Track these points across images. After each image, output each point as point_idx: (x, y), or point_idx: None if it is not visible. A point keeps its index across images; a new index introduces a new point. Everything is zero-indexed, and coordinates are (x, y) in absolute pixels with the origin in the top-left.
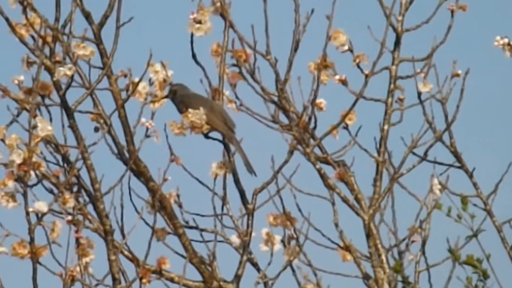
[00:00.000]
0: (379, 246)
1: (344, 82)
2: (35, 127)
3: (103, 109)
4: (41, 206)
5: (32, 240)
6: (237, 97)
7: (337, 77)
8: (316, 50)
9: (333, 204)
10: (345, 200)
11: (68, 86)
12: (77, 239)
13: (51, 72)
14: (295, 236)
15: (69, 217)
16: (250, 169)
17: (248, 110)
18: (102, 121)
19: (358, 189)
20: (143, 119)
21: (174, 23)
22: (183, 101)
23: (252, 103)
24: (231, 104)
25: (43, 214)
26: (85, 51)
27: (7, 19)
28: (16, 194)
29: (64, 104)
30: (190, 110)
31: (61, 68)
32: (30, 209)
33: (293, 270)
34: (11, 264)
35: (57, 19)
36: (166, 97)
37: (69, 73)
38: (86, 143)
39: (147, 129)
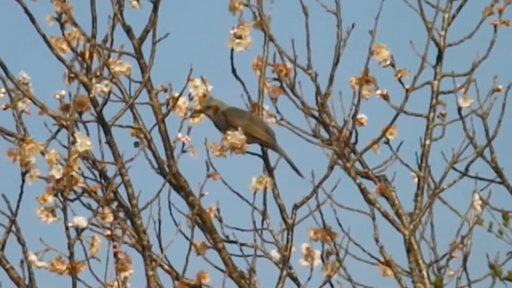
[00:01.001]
0: (420, 261)
1: (385, 97)
2: (74, 142)
3: (143, 123)
4: (81, 221)
5: (71, 255)
6: (277, 111)
7: (379, 91)
8: (357, 65)
9: (373, 219)
10: (385, 215)
11: (105, 102)
12: (115, 254)
13: (88, 88)
14: (335, 251)
15: (108, 232)
16: (297, 171)
17: (289, 124)
18: (142, 135)
19: (399, 204)
20: (179, 134)
21: (214, 38)
22: (224, 117)
23: (292, 118)
24: (271, 119)
25: (83, 229)
26: (122, 67)
27: (44, 36)
28: (56, 209)
29: (101, 120)
30: (228, 132)
31: (97, 85)
32: (70, 224)
33: (332, 286)
34: (51, 279)
35: (93, 36)
36: (204, 112)
37: (105, 89)
38: (124, 158)
39: (183, 144)
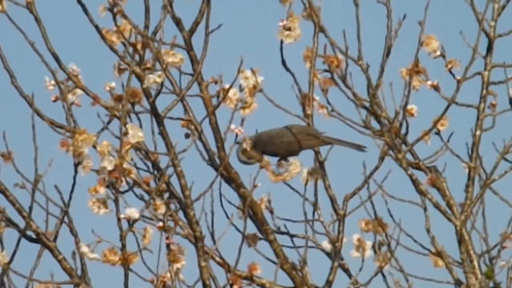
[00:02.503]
0: (471, 252)
1: (436, 88)
2: (126, 133)
3: (194, 115)
4: (133, 212)
5: (123, 247)
6: (328, 103)
7: (429, 82)
8: (408, 56)
9: (425, 209)
10: (436, 206)
11: (158, 93)
12: (168, 245)
13: (140, 79)
14: (386, 241)
15: (160, 224)
16: (358, 147)
17: (340, 115)
18: (193, 127)
19: (450, 195)
20: (232, 126)
21: (264, 29)
22: (265, 142)
23: (343, 109)
24: (322, 110)
25: (135, 221)
26: (175, 58)
27: (96, 27)
28: (108, 201)
29: (154, 111)
30: (288, 168)
31: (150, 76)
32: (122, 216)
33: (384, 276)
34: (101, 270)
35: (146, 27)
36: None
37: (158, 80)
38: (176, 149)
39: (237, 135)
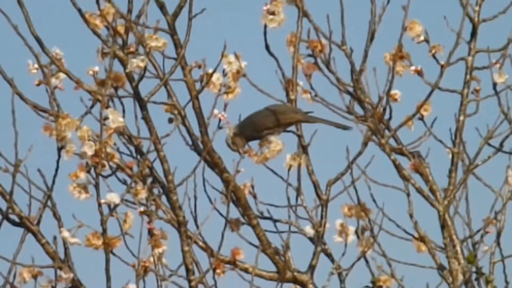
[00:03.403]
0: (454, 237)
1: (419, 73)
2: (106, 118)
3: (177, 100)
4: (113, 197)
5: (104, 231)
6: (312, 88)
7: (413, 68)
8: (391, 41)
9: (408, 195)
10: (419, 191)
11: (141, 77)
12: (149, 230)
13: (124, 63)
14: (369, 227)
15: (142, 208)
16: (342, 126)
17: (323, 101)
18: (176, 112)
19: (433, 180)
20: (215, 111)
21: (248, 14)
22: (245, 128)
23: (327, 94)
24: (305, 95)
25: (115, 206)
26: (158, 42)
27: (79, 10)
28: (89, 186)
29: (137, 96)
30: (268, 146)
31: (133, 60)
32: (102, 201)
33: (367, 261)
34: (84, 254)
35: (129, 11)
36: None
37: (141, 64)
38: (159, 134)
39: (220, 120)
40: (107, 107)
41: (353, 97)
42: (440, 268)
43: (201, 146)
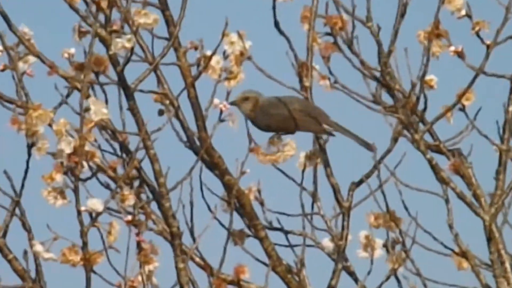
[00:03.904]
0: (502, 252)
1: (460, 55)
2: (87, 110)
3: (169, 88)
4: (96, 204)
5: (84, 245)
6: (330, 73)
7: (452, 48)
8: (427, 16)
9: (446, 201)
10: (461, 197)
11: (127, 60)
12: (138, 244)
13: (106, 44)
14: (400, 239)
15: (129, 217)
16: (366, 145)
17: (344, 88)
18: (168, 102)
19: (477, 184)
20: (216, 100)
21: None
22: (265, 114)
23: (348, 80)
24: (323, 81)
25: (98, 214)
26: (147, 19)
27: None
28: (66, 190)
29: (122, 83)
30: (283, 142)
31: (118, 40)
32: (83, 208)
33: (398, 280)
34: (60, 272)
35: None
36: (240, 105)
37: (128, 45)
38: (148, 128)
39: (221, 111)
40: (87, 96)
41: (381, 84)
42: None
43: (198, 143)
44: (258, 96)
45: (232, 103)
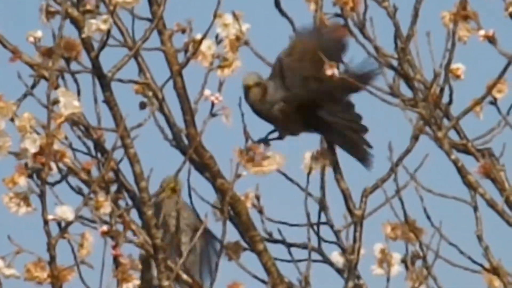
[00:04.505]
0: None
1: (491, 40)
2: (56, 102)
3: (152, 77)
4: (66, 212)
5: (52, 259)
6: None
7: (482, 32)
8: None
9: (475, 209)
10: (491, 204)
11: (103, 45)
12: (115, 258)
13: (79, 26)
14: (421, 254)
15: (105, 228)
16: (363, 158)
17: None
18: (151, 93)
19: (511, 189)
20: (207, 91)
21: None
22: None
23: None
24: (331, 69)
25: (68, 224)
26: None
27: None
28: (31, 196)
29: (97, 71)
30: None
31: (92, 21)
32: (50, 217)
33: None
34: None
35: None
36: (250, 91)
37: (103, 27)
38: (128, 124)
39: (213, 104)
40: (56, 86)
41: (398, 74)
42: None
43: (186, 141)
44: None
45: (247, 87)
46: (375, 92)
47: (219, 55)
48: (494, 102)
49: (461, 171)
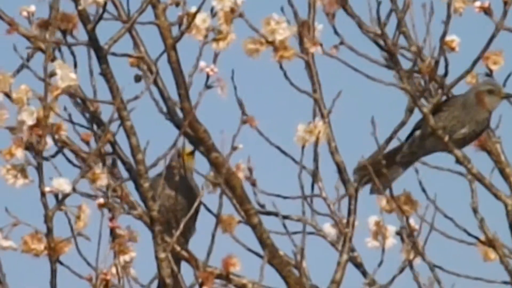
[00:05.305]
0: None
1: (487, 11)
2: (52, 75)
3: (146, 51)
4: (62, 184)
5: (49, 231)
6: (335, 32)
7: (478, 3)
8: None
9: (470, 181)
10: (479, 178)
11: (99, 18)
12: (111, 230)
13: None
14: (416, 226)
15: (101, 200)
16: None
17: (352, 50)
18: (145, 67)
19: (506, 162)
20: (202, 63)
21: None
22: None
23: (356, 41)
24: (315, 47)
25: (65, 196)
26: None
27: None
28: (28, 168)
29: (93, 43)
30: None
31: None
32: (47, 189)
33: (413, 274)
34: (21, 263)
35: None
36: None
37: (99, 0)
38: (124, 97)
39: (208, 77)
40: (53, 59)
41: (382, 49)
42: None
43: (181, 114)
44: None
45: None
46: (371, 63)
47: (213, 28)
48: (489, 74)
49: (448, 146)
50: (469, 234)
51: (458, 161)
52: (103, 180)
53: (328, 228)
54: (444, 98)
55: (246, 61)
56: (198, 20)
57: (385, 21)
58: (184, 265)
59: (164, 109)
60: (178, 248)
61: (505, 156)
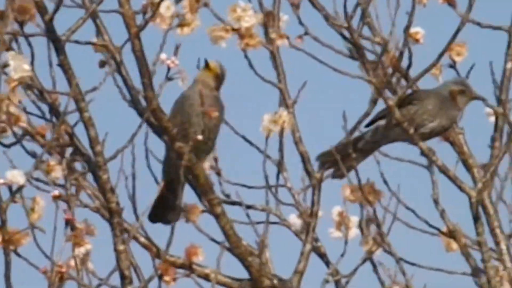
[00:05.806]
0: (497, 231)
1: (451, 3)
2: (6, 66)
3: (110, 39)
4: (16, 176)
5: (3, 223)
6: (300, 23)
7: None
8: None
9: (432, 172)
10: (443, 170)
11: (58, 7)
12: (67, 222)
13: None
14: (377, 218)
15: (56, 192)
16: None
17: (317, 41)
18: (108, 55)
19: (469, 153)
20: (162, 55)
21: None
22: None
23: (321, 31)
24: (281, 40)
25: (20, 187)
26: None
27: None
28: None
29: (51, 34)
30: None
31: None
32: (1, 180)
33: (374, 265)
34: None
35: None
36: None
37: None
38: (82, 88)
39: (169, 68)
40: (8, 49)
41: (348, 41)
42: (476, 273)
43: (144, 103)
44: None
45: (453, 93)
46: (335, 55)
47: (178, 14)
48: (453, 66)
49: (413, 139)
50: (430, 225)
51: (423, 153)
52: (58, 171)
53: (294, 218)
54: (409, 91)
55: (211, 50)
56: (162, 8)
57: (352, 14)
58: (144, 255)
59: (127, 97)
60: (140, 238)
61: (468, 147)
